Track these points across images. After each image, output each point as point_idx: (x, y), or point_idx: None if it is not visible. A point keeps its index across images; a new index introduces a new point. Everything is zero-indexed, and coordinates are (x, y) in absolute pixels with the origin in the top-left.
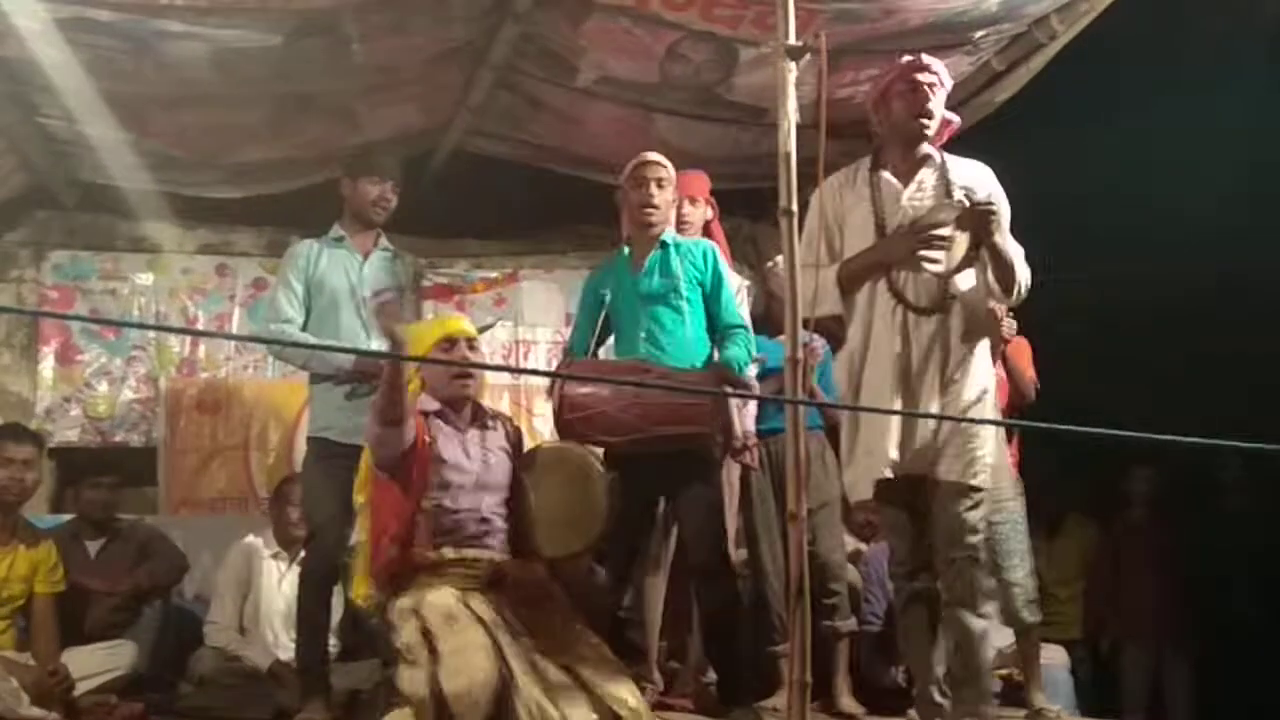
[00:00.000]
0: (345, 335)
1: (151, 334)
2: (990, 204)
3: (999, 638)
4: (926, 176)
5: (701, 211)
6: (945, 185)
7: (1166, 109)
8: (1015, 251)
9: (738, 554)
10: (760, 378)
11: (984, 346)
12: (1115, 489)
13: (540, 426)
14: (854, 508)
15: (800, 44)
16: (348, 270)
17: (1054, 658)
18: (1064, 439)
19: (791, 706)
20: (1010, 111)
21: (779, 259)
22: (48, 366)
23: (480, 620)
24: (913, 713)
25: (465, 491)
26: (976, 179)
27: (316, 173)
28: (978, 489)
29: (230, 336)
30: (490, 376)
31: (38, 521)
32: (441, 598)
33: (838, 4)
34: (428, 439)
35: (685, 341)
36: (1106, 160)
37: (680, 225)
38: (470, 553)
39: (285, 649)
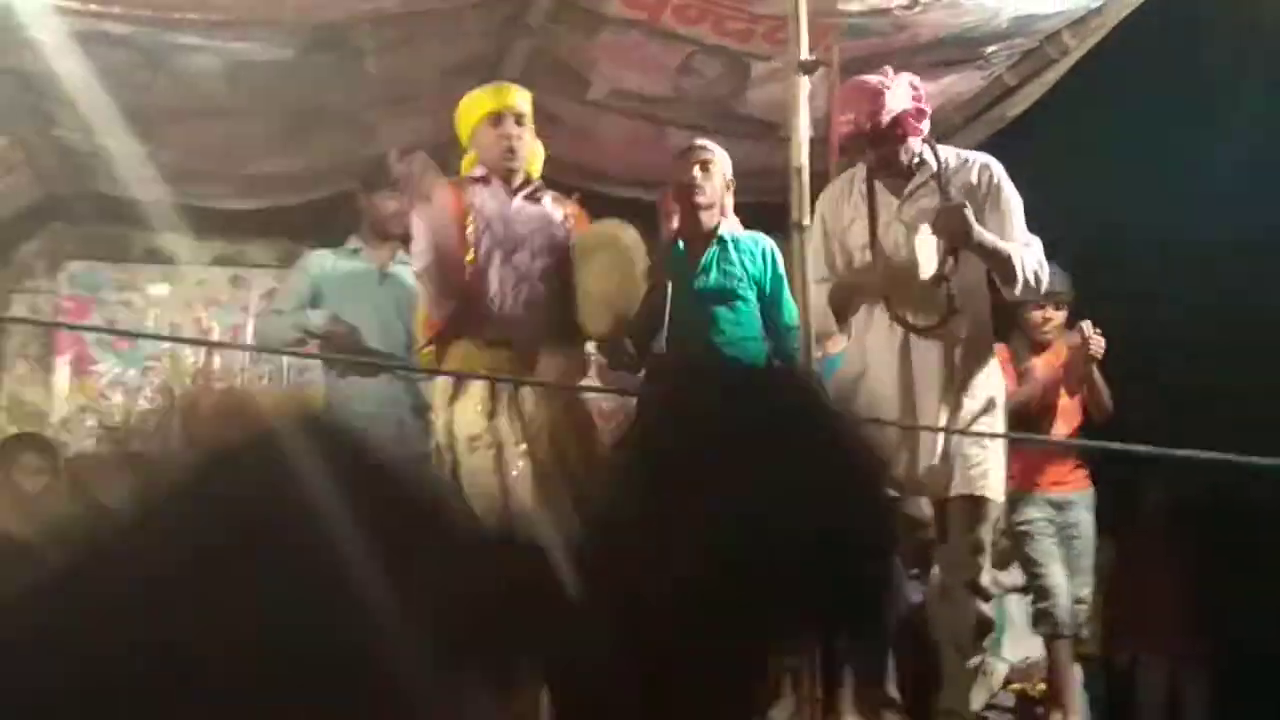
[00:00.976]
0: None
1: (166, 345)
2: (958, 205)
3: (1012, 652)
4: (921, 183)
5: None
6: (942, 190)
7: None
8: (1028, 243)
9: None
10: None
11: (991, 356)
12: (1133, 502)
13: None
14: None
15: (812, 59)
16: (363, 282)
17: None
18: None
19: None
20: (1022, 127)
21: None
22: (63, 377)
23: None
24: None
25: (503, 250)
26: (972, 173)
27: (330, 185)
28: (986, 500)
29: (245, 347)
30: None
31: None
32: (467, 417)
33: (850, 19)
34: (468, 207)
35: (742, 341)
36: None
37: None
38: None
39: None
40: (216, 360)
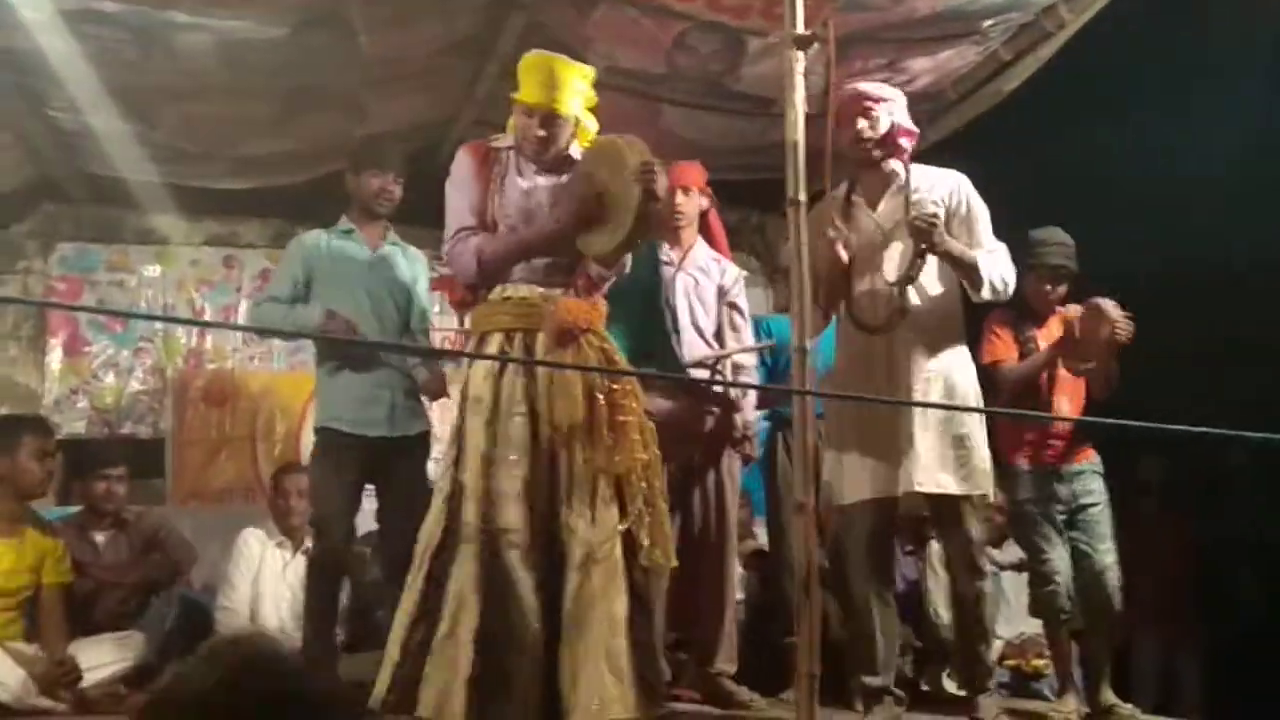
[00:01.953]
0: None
1: (159, 325)
2: (930, 216)
3: (1007, 628)
4: (890, 197)
5: (695, 201)
6: (905, 203)
7: (1177, 97)
8: (996, 254)
9: (743, 545)
10: (782, 369)
11: (956, 352)
12: (1127, 479)
13: None
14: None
15: (808, 33)
16: (355, 263)
17: None
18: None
19: (800, 698)
20: (1018, 100)
21: None
22: (55, 358)
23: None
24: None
25: (526, 221)
26: (943, 189)
27: (323, 165)
28: (972, 497)
29: (237, 327)
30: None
31: (45, 513)
32: (477, 378)
33: None
34: (492, 174)
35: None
36: (1116, 148)
37: (674, 216)
38: (523, 290)
39: (290, 638)
40: (209, 341)
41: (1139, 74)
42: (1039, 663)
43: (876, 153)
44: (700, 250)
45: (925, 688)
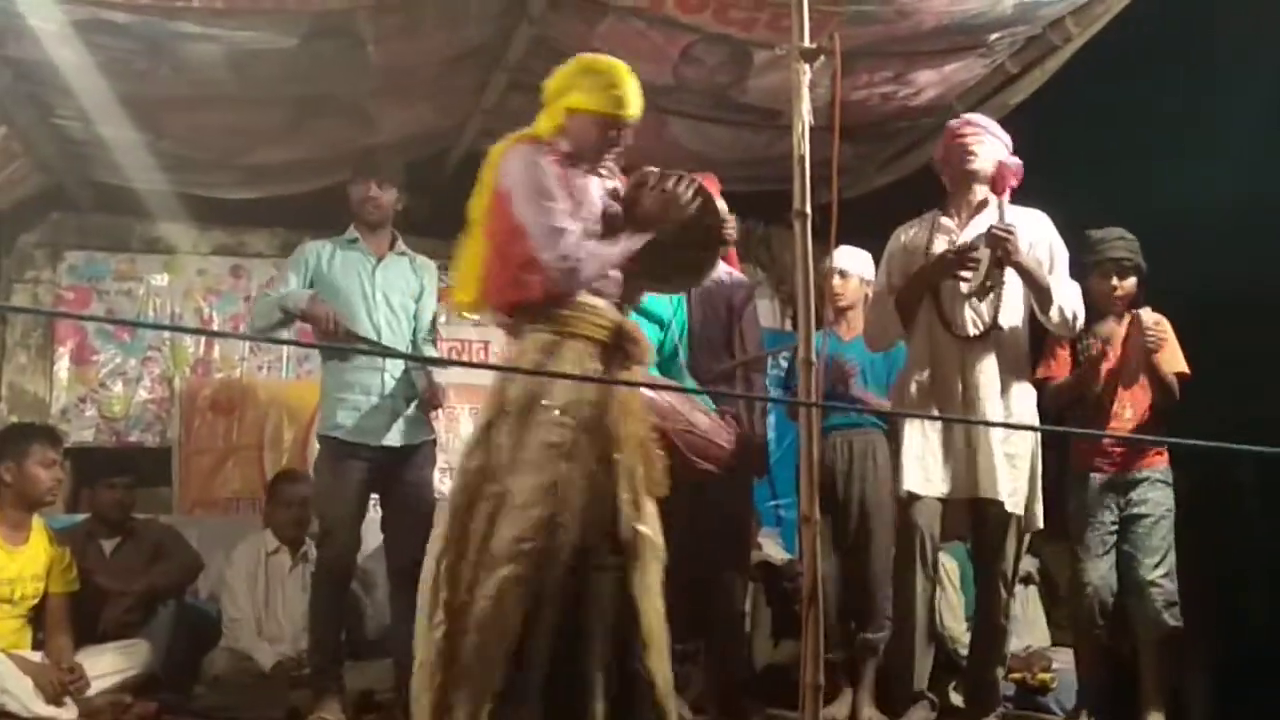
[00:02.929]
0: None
1: (167, 334)
2: (1008, 226)
3: (1013, 641)
4: (978, 223)
5: None
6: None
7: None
8: (1068, 288)
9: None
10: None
11: (1020, 376)
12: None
13: None
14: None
15: (814, 46)
16: (360, 271)
17: (1067, 661)
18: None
19: (804, 710)
20: (1024, 113)
21: None
22: (63, 367)
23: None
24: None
25: (608, 229)
26: (1029, 224)
27: (331, 174)
28: (1014, 516)
29: (245, 337)
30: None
31: (53, 521)
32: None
33: (852, 6)
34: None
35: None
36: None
37: None
38: (596, 301)
39: (294, 646)
40: (216, 350)
41: (1147, 87)
42: (1045, 676)
43: (978, 186)
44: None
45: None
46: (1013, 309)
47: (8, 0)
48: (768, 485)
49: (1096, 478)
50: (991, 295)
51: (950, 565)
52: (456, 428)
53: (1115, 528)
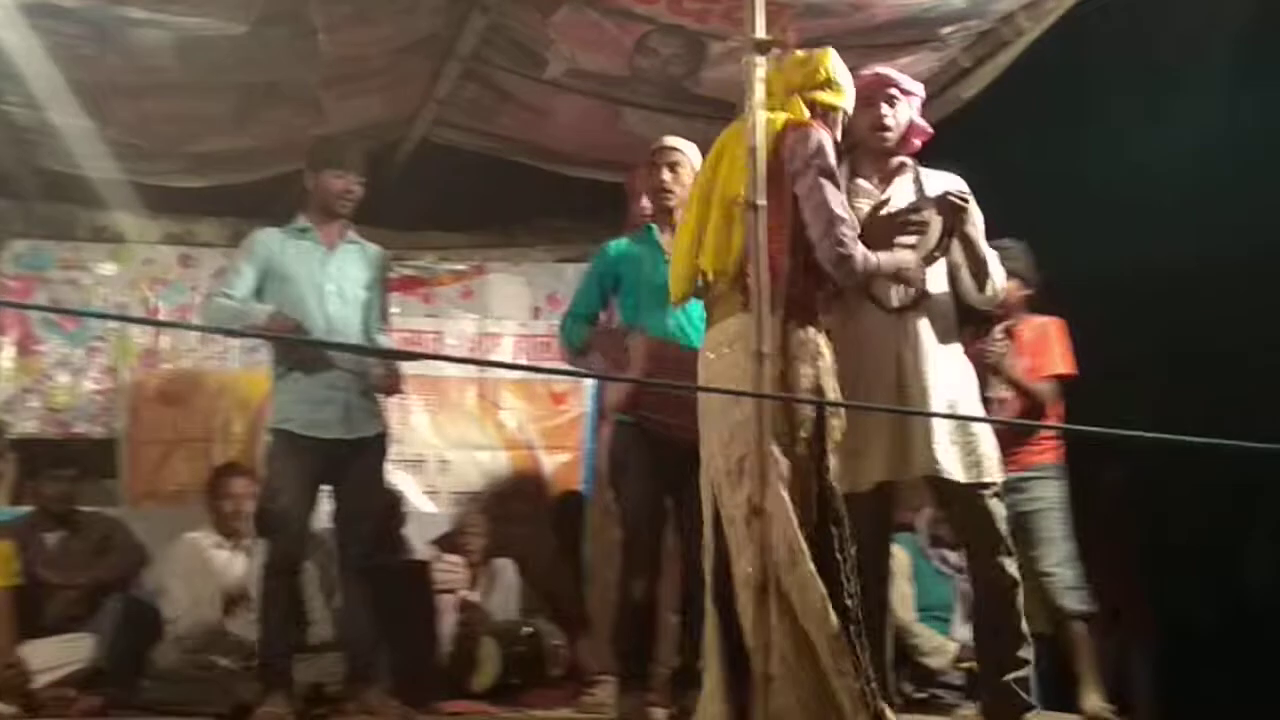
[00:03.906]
0: (309, 325)
1: (113, 324)
2: (963, 196)
3: (962, 631)
4: (900, 184)
5: (684, 180)
6: (920, 191)
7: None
8: (989, 255)
9: None
10: None
11: (955, 347)
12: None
13: (508, 421)
14: None
15: (768, 38)
16: (312, 262)
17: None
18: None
19: (757, 700)
20: (977, 108)
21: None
22: (7, 357)
23: None
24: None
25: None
26: (950, 187)
27: (281, 163)
28: (989, 484)
29: (193, 327)
30: (456, 369)
31: None
32: None
33: None
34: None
35: (694, 332)
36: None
37: (663, 195)
38: None
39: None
40: (164, 340)
41: (1098, 81)
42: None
43: (889, 144)
44: None
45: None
46: (937, 275)
47: None
48: None
49: None
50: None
51: (902, 557)
52: (409, 419)
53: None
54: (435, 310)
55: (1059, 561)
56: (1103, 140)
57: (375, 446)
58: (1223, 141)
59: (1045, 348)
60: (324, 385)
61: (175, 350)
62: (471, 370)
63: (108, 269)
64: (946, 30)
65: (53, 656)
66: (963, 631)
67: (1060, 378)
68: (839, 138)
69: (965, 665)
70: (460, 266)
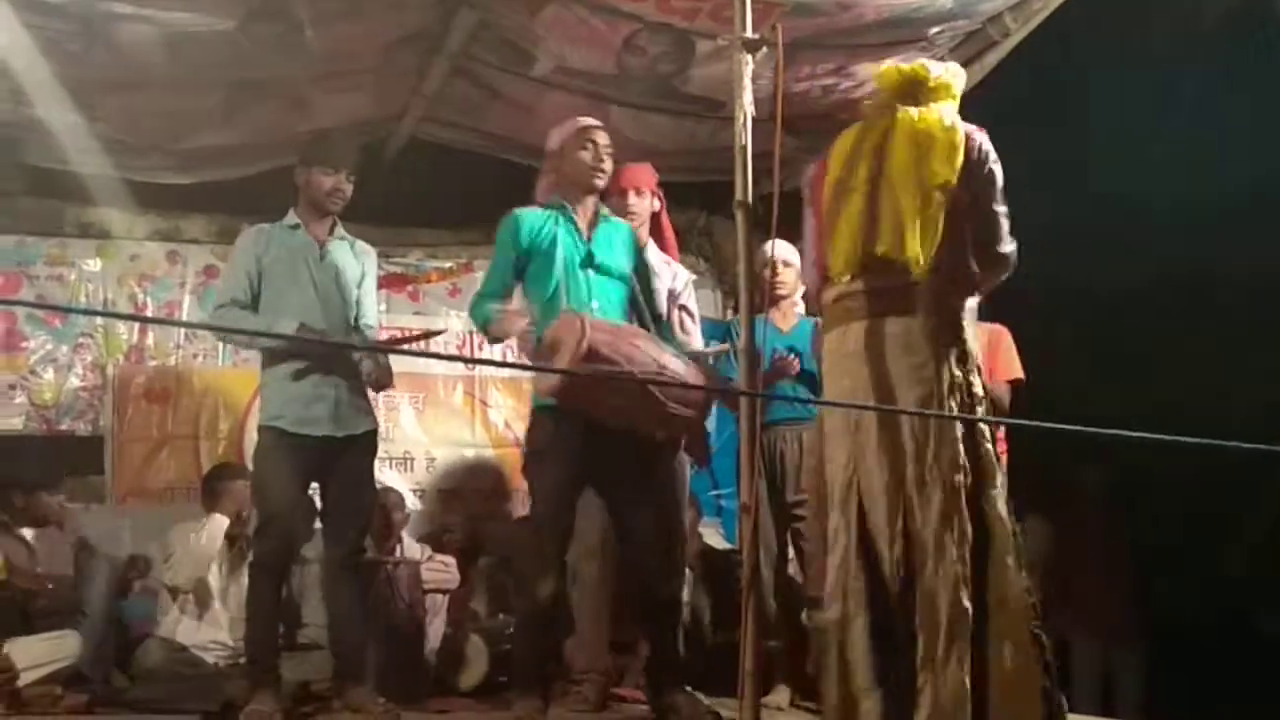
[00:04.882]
0: (299, 320)
1: (99, 321)
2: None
3: None
4: None
5: (648, 203)
6: None
7: (1121, 105)
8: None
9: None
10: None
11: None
12: (1065, 485)
13: (495, 418)
14: None
15: (757, 37)
16: (303, 259)
17: None
18: (1016, 433)
19: (742, 696)
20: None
21: None
22: None
23: None
24: None
25: None
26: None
27: (268, 159)
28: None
29: (180, 324)
30: (444, 367)
31: None
32: None
33: None
34: None
35: (625, 320)
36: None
37: (626, 216)
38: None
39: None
40: (150, 337)
41: (1084, 82)
42: None
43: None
44: (651, 253)
45: None
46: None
47: None
48: (709, 476)
49: None
50: None
51: None
52: (396, 417)
53: None
54: (422, 308)
55: None
56: (1087, 142)
57: (365, 444)
58: (1208, 144)
59: (997, 353)
60: (312, 383)
61: (162, 347)
62: (459, 368)
63: (94, 265)
64: (934, 30)
65: (38, 653)
66: None
67: (1012, 383)
68: None
69: None
70: (447, 264)
